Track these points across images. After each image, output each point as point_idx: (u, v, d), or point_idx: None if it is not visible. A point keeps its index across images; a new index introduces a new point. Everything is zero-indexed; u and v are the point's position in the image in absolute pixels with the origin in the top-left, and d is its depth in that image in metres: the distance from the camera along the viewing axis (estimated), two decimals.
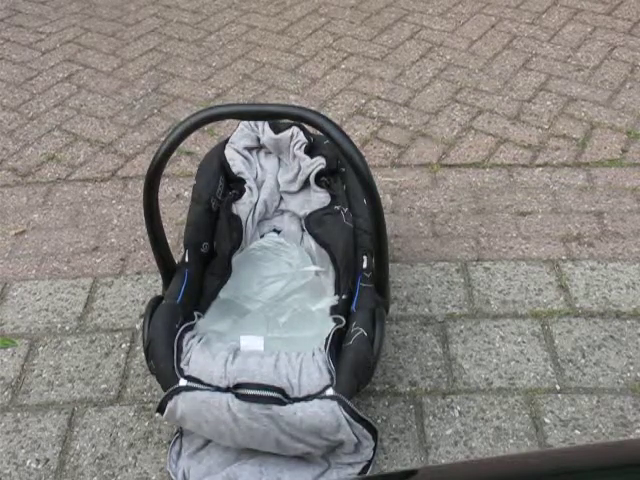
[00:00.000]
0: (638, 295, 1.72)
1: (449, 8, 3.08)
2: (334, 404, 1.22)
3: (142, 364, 1.59)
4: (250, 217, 1.63)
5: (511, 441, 1.42)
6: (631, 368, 1.55)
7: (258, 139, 1.68)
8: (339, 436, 1.25)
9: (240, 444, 1.31)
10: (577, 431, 1.43)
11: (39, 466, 1.42)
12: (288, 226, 1.67)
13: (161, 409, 1.28)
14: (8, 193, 2.16)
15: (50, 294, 1.79)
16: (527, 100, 2.47)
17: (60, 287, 1.81)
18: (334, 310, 1.41)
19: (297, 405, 1.22)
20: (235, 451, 1.36)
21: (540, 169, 2.15)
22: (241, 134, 1.67)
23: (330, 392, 1.23)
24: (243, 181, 1.65)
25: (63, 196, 2.13)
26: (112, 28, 3.05)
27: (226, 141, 1.68)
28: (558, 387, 1.52)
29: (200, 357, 1.27)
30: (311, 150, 1.63)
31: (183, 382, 1.25)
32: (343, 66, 2.69)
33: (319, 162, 1.61)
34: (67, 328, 1.70)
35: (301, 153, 1.62)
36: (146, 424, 1.48)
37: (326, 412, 1.22)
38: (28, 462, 1.42)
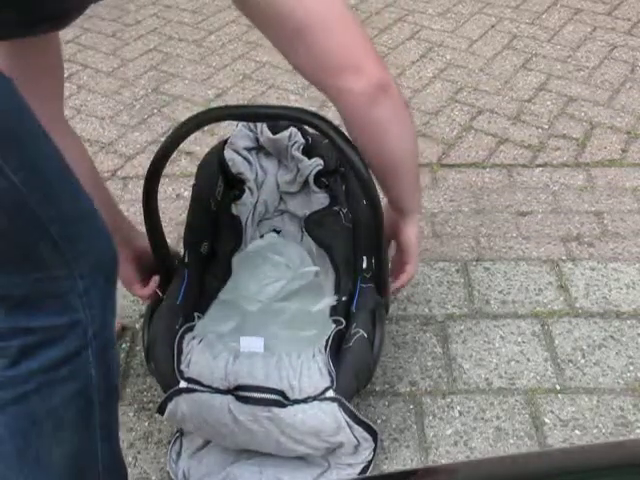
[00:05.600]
0: (638, 295, 1.72)
1: (449, 8, 3.08)
2: (334, 406, 1.22)
3: (142, 364, 1.59)
4: (250, 217, 1.63)
5: (511, 441, 1.42)
6: (631, 368, 1.55)
7: (257, 140, 1.68)
8: (338, 438, 1.25)
9: (241, 445, 1.32)
10: (577, 431, 1.43)
11: None
12: (288, 226, 1.67)
13: (161, 410, 1.28)
14: None
15: None
16: (527, 100, 2.47)
17: None
18: (334, 311, 1.41)
19: (297, 407, 1.22)
20: (235, 451, 1.36)
21: (540, 169, 2.16)
22: (240, 134, 1.66)
23: (330, 394, 1.22)
24: (243, 181, 1.65)
25: None
26: (112, 28, 3.05)
27: (225, 141, 1.67)
28: (558, 387, 1.52)
29: (200, 358, 1.27)
30: (309, 151, 1.63)
31: (183, 384, 1.25)
32: None
33: (317, 163, 1.60)
34: None
35: (299, 154, 1.61)
36: (146, 424, 1.48)
37: (326, 414, 1.22)
38: None
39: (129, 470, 1.30)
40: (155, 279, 1.43)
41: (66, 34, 3.01)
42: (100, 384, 0.98)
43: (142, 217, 1.33)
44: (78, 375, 0.95)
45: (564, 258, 1.83)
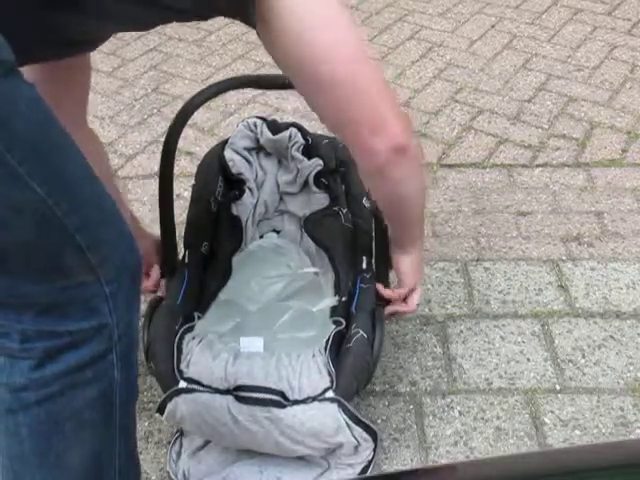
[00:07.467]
0: (638, 295, 1.72)
1: (449, 8, 3.08)
2: (334, 406, 1.22)
3: (142, 364, 1.58)
4: (250, 218, 1.63)
5: (511, 441, 1.42)
6: (631, 368, 1.55)
7: (257, 140, 1.68)
8: (338, 439, 1.25)
9: (240, 445, 1.32)
10: (577, 431, 1.43)
11: None
12: (288, 227, 1.67)
13: (161, 410, 1.28)
14: None
15: None
16: (527, 100, 2.47)
17: None
18: (334, 311, 1.41)
19: (297, 408, 1.22)
20: (235, 451, 1.36)
21: (540, 169, 2.16)
22: (240, 135, 1.67)
23: (330, 394, 1.22)
24: (243, 182, 1.65)
25: None
26: None
27: (225, 142, 1.67)
28: (558, 387, 1.52)
29: (200, 359, 1.27)
30: (309, 151, 1.63)
31: (183, 384, 1.25)
32: None
33: (317, 164, 1.61)
34: None
35: (299, 155, 1.61)
36: (146, 424, 1.48)
37: (326, 415, 1.22)
38: None
39: None
40: (156, 270, 1.44)
41: None
42: (122, 385, 0.97)
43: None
44: (102, 377, 0.95)
45: (564, 258, 1.83)
